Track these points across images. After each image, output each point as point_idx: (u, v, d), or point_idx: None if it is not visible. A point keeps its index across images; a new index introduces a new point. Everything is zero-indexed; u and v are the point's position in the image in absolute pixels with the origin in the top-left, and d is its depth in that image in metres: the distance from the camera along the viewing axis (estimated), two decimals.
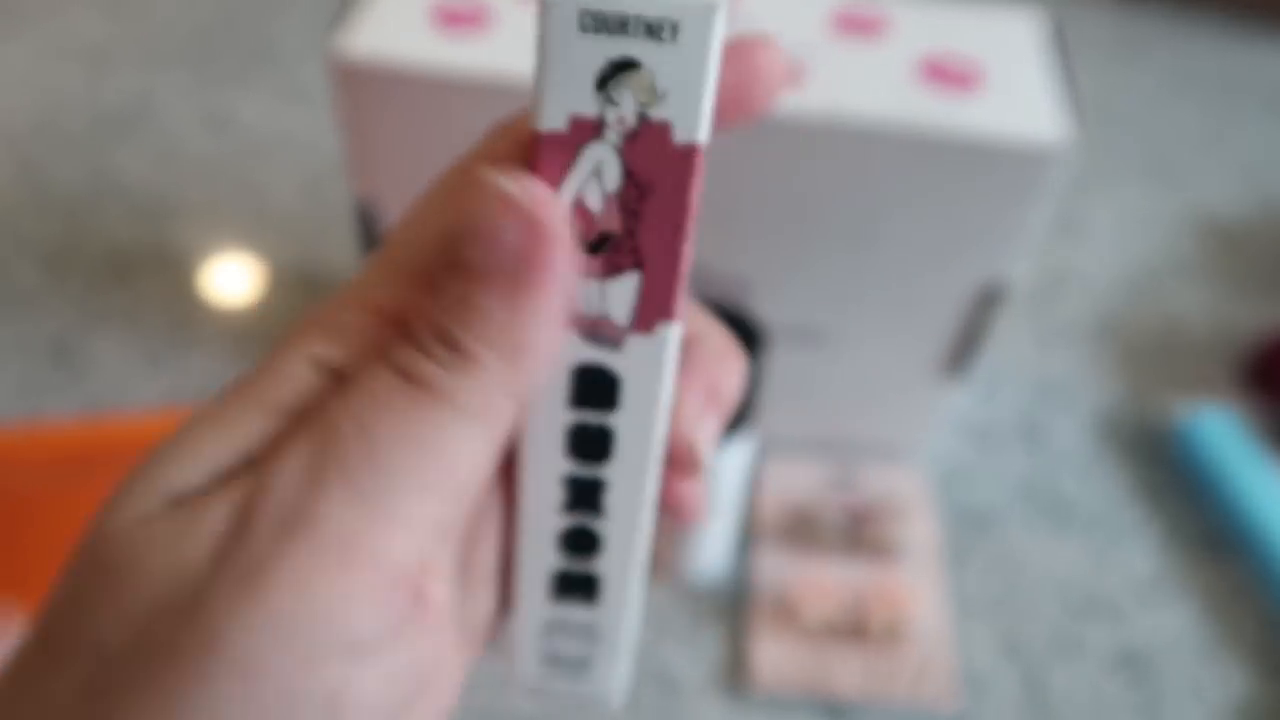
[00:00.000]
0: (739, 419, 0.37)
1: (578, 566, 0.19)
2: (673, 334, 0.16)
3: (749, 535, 0.46)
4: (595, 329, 0.16)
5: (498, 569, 0.19)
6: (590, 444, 0.17)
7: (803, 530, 0.45)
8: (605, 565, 0.19)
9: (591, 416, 0.17)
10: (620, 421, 0.17)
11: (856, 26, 0.39)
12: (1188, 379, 0.55)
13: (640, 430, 0.17)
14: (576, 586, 0.19)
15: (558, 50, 0.14)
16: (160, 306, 0.54)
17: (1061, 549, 0.47)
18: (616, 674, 0.21)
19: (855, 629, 0.42)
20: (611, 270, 0.16)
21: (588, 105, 0.15)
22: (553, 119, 0.15)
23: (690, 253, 0.16)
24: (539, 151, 0.15)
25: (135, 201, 0.60)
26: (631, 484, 0.18)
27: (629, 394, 0.17)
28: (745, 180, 0.38)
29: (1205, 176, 0.70)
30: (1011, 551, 0.47)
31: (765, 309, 0.42)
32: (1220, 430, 0.50)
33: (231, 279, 0.56)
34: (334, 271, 0.57)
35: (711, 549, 0.42)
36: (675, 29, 0.14)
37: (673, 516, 0.19)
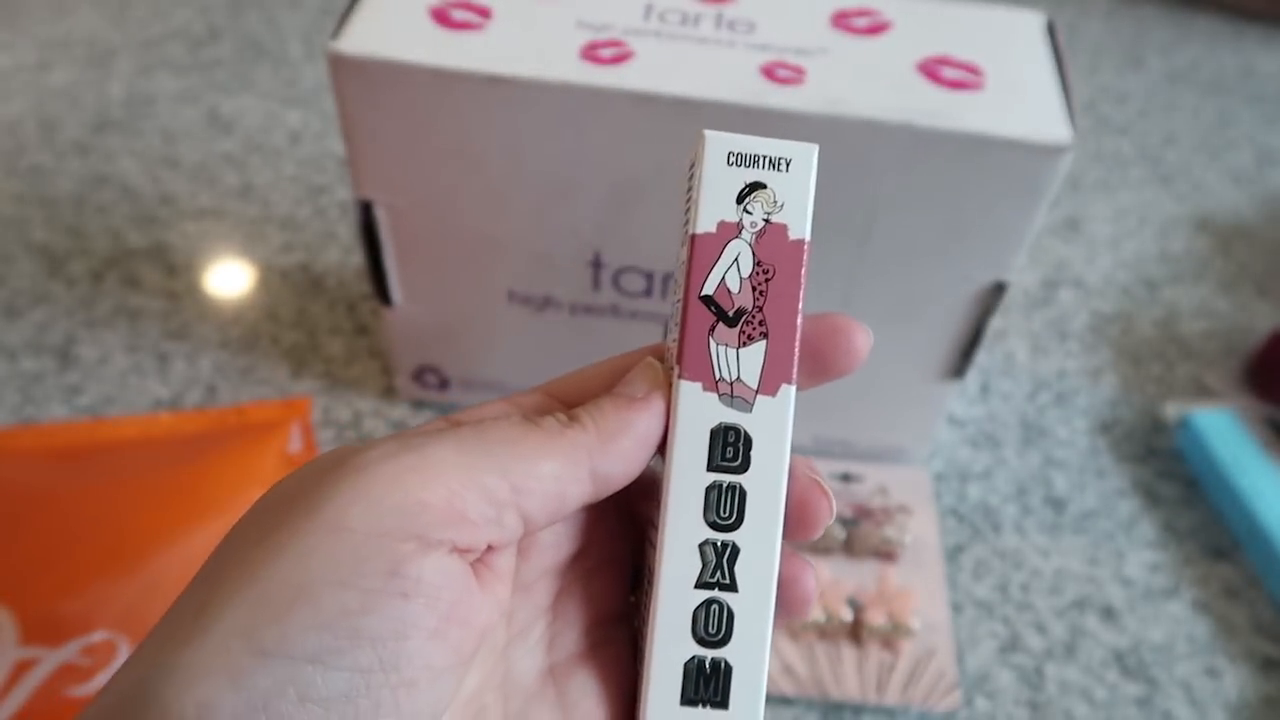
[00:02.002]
0: None
1: (711, 654, 0.20)
2: (791, 396, 0.20)
3: None
4: (732, 392, 0.20)
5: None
6: (726, 505, 0.20)
7: None
8: (735, 654, 0.20)
9: (727, 479, 0.20)
10: (751, 484, 0.20)
11: (856, 26, 0.40)
12: (1187, 379, 0.56)
13: (769, 491, 0.20)
14: (709, 686, 0.20)
15: (711, 176, 0.20)
16: (160, 306, 0.54)
17: (1060, 548, 0.47)
18: None
19: (855, 629, 0.42)
20: (745, 340, 0.20)
21: (730, 213, 0.20)
22: (706, 224, 0.20)
23: (802, 326, 0.20)
24: (695, 247, 0.20)
25: (135, 201, 0.60)
26: (761, 550, 0.20)
27: (759, 454, 0.20)
28: None
29: (1204, 176, 0.70)
30: (1010, 551, 0.47)
31: None
32: (1219, 430, 0.50)
33: (232, 279, 0.56)
34: (334, 272, 0.57)
35: None
36: (789, 162, 0.21)
37: (788, 609, 0.21)
